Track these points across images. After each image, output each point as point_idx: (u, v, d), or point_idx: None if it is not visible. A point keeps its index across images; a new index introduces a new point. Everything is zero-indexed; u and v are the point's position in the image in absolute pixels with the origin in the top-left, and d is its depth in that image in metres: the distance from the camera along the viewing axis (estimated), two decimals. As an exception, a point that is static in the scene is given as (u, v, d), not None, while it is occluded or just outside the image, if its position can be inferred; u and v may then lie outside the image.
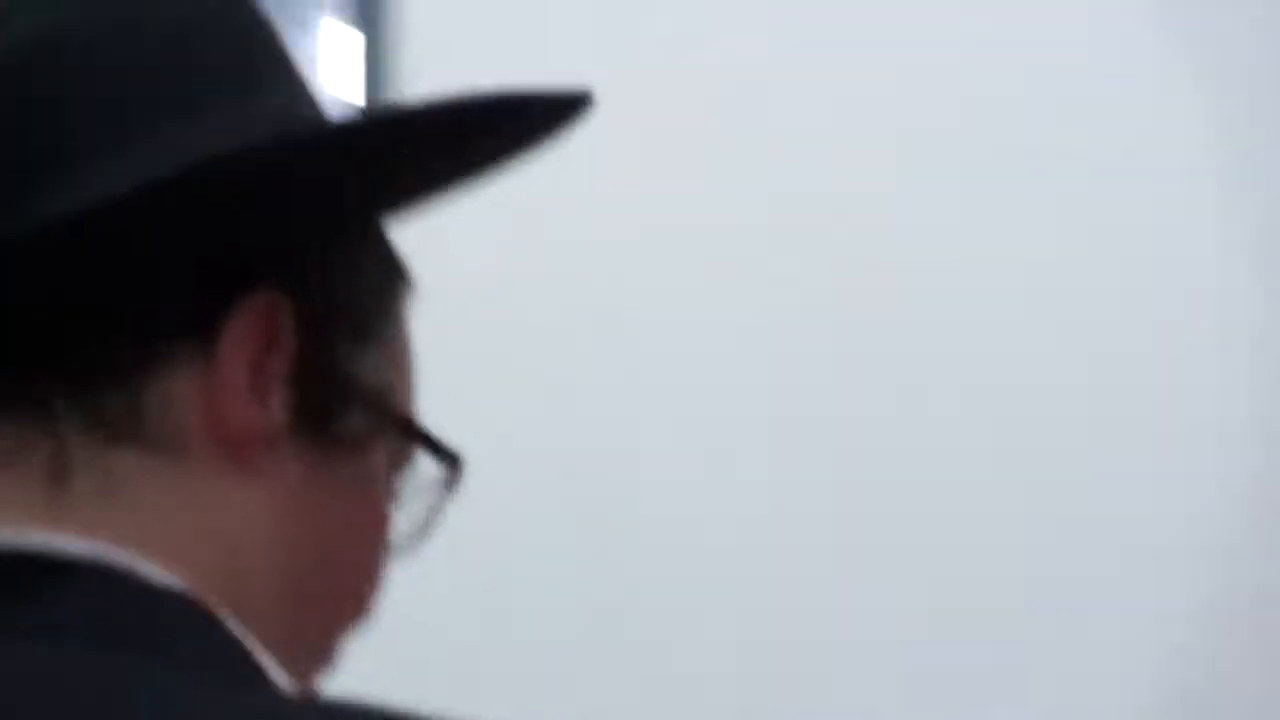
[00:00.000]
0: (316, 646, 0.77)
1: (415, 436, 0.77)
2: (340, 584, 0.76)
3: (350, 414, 0.73)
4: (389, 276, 0.77)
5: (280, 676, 0.71)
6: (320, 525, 0.74)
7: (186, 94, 0.70)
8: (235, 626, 0.69)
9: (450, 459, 0.77)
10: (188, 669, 0.66)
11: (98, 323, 0.69)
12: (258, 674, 0.70)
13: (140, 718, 0.62)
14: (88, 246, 0.67)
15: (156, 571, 0.68)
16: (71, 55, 0.69)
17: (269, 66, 0.75)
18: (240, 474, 0.71)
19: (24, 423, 0.70)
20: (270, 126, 0.71)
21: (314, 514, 0.74)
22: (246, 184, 0.67)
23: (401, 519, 0.79)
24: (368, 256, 0.75)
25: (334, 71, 1.60)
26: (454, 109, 0.71)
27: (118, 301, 0.69)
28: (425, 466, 0.79)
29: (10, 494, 0.70)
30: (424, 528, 0.79)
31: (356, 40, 1.63)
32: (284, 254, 0.72)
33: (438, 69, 1.58)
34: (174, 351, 0.69)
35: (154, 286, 0.69)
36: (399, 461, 0.77)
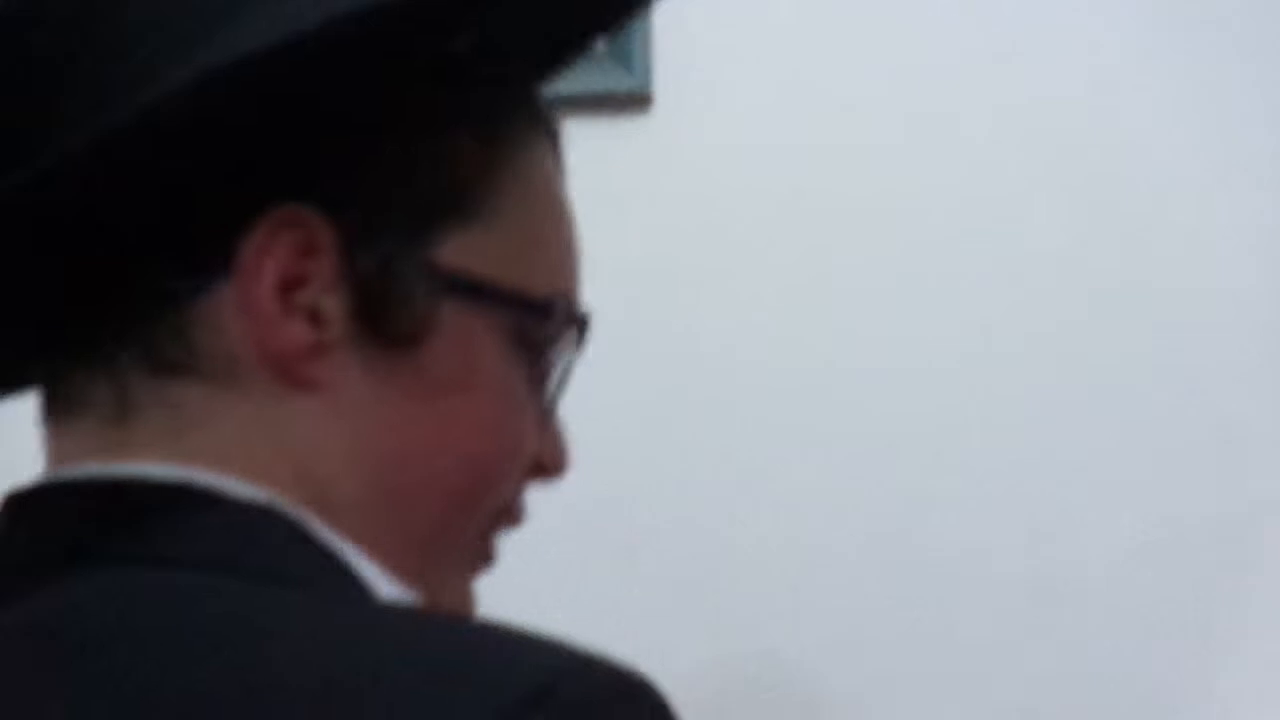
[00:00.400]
0: (446, 544, 0.76)
1: (520, 307, 0.75)
2: (444, 481, 0.75)
3: (418, 312, 0.72)
4: (497, 149, 0.75)
5: (377, 573, 0.72)
6: (405, 426, 0.73)
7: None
8: (324, 533, 0.70)
9: (572, 320, 0.77)
10: (278, 578, 0.68)
11: (137, 259, 0.69)
12: (347, 576, 0.71)
13: (251, 636, 0.64)
14: (111, 174, 0.67)
15: (240, 488, 0.70)
16: None
17: None
18: (298, 390, 0.71)
19: (87, 368, 0.71)
20: (276, 27, 0.68)
21: (394, 416, 0.73)
22: (244, 95, 0.66)
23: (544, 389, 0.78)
24: (444, 143, 0.73)
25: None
26: None
27: (151, 233, 0.69)
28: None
29: (86, 434, 0.72)
30: (555, 395, 0.79)
31: None
32: (301, 166, 0.70)
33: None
34: (211, 279, 0.70)
35: (181, 214, 0.69)
36: (533, 336, 0.76)
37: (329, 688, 0.61)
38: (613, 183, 1.51)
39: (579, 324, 0.78)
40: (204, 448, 0.70)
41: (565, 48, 0.84)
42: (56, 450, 0.73)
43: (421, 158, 0.73)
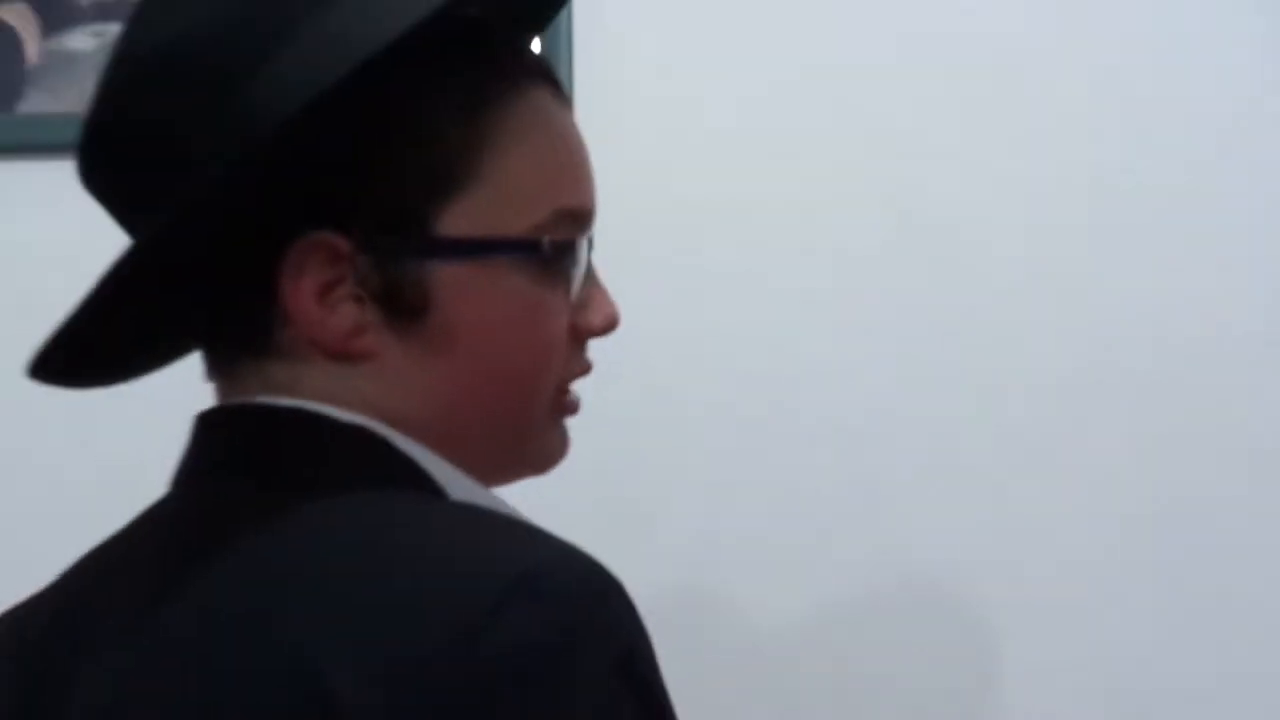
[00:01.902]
0: (522, 424, 1.02)
1: (510, 248, 0.97)
2: (490, 396, 0.99)
3: (422, 285, 0.97)
4: (465, 115, 0.97)
5: (450, 472, 0.97)
6: (442, 370, 0.98)
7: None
8: (404, 445, 0.96)
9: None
10: (368, 478, 0.94)
11: (231, 282, 0.97)
12: (422, 477, 0.96)
13: (329, 520, 0.89)
14: (208, 223, 0.93)
15: (338, 414, 0.96)
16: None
17: None
18: (352, 361, 0.97)
19: (224, 347, 1.00)
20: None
21: (432, 365, 0.98)
22: (302, 145, 0.91)
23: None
24: (427, 138, 0.96)
25: None
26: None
27: (231, 261, 0.96)
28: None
29: (231, 386, 1.00)
30: (578, 282, 1.02)
31: None
32: (318, 200, 0.96)
33: None
34: (271, 291, 0.96)
35: (244, 249, 0.95)
36: (536, 257, 0.99)
37: (374, 562, 0.86)
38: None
39: (581, 226, 1.02)
40: (299, 392, 0.97)
41: (546, 7, 1.09)
42: (218, 393, 1.01)
43: (408, 161, 0.96)
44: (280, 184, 0.94)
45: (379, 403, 0.98)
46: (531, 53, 1.04)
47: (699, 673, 1.58)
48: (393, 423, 0.98)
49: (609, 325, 1.05)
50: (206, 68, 0.95)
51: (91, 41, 1.87)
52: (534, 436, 1.04)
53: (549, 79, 1.03)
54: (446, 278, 0.97)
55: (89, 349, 1.03)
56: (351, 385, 0.98)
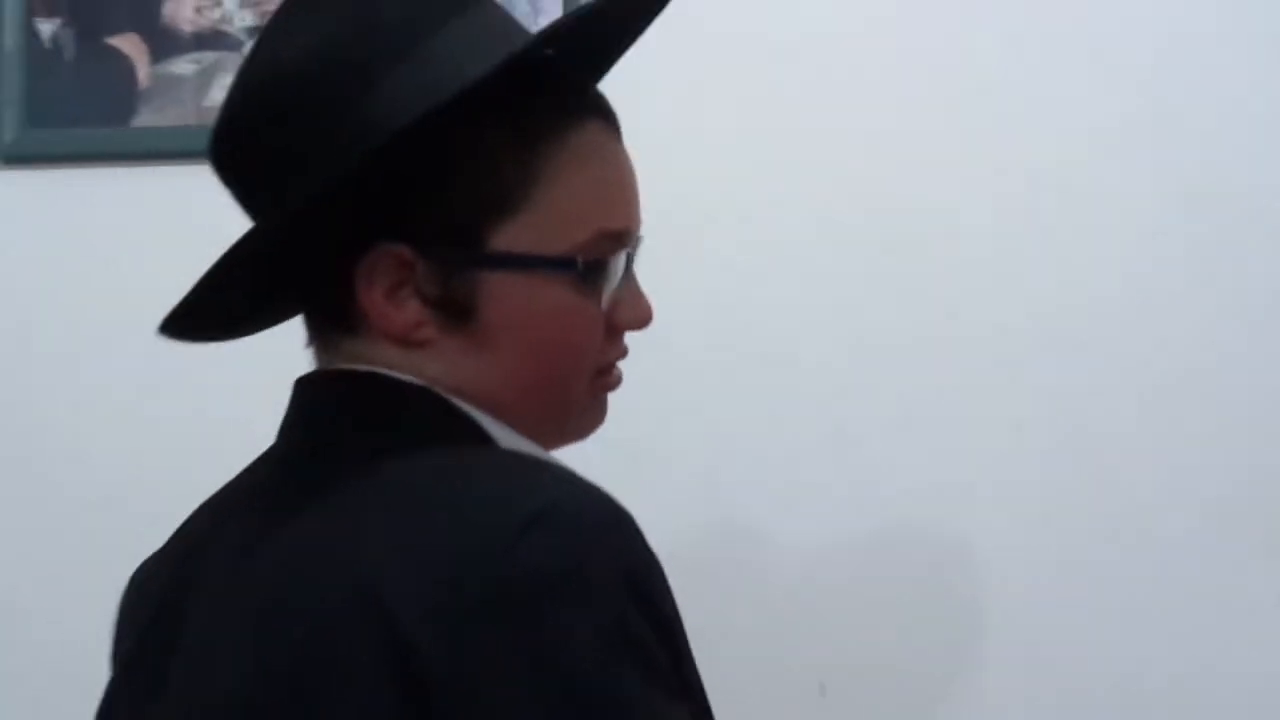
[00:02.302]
0: (563, 397, 1.11)
1: (550, 265, 1.07)
2: (530, 378, 1.08)
3: (471, 290, 1.05)
4: (523, 147, 1.05)
5: (502, 430, 1.07)
6: (486, 359, 1.07)
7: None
8: (463, 407, 1.06)
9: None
10: (434, 432, 1.05)
11: (320, 275, 1.07)
12: (479, 431, 1.07)
13: (398, 461, 1.00)
14: (311, 225, 1.04)
15: (407, 378, 1.07)
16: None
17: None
18: (413, 348, 1.07)
19: (321, 320, 1.10)
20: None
21: (479, 354, 1.07)
22: (394, 167, 1.02)
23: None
24: (482, 156, 1.04)
25: None
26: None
27: (323, 256, 1.06)
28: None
29: (326, 354, 1.10)
30: (612, 289, 1.09)
31: None
32: (392, 217, 1.05)
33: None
34: (353, 287, 1.06)
35: (339, 243, 1.05)
36: (586, 278, 1.08)
37: (428, 501, 0.97)
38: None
39: (619, 245, 1.09)
40: (379, 363, 1.08)
41: (615, 52, 1.17)
42: (315, 359, 1.12)
43: (468, 187, 1.04)
44: (364, 198, 1.03)
45: (439, 379, 1.07)
46: (592, 89, 1.12)
47: (712, 604, 1.55)
48: (457, 389, 1.07)
49: (641, 324, 1.13)
50: (319, 94, 1.03)
51: (191, 67, 1.98)
52: (572, 414, 1.12)
53: (603, 111, 1.10)
54: (493, 285, 1.05)
55: (207, 312, 1.10)
56: (415, 364, 1.07)
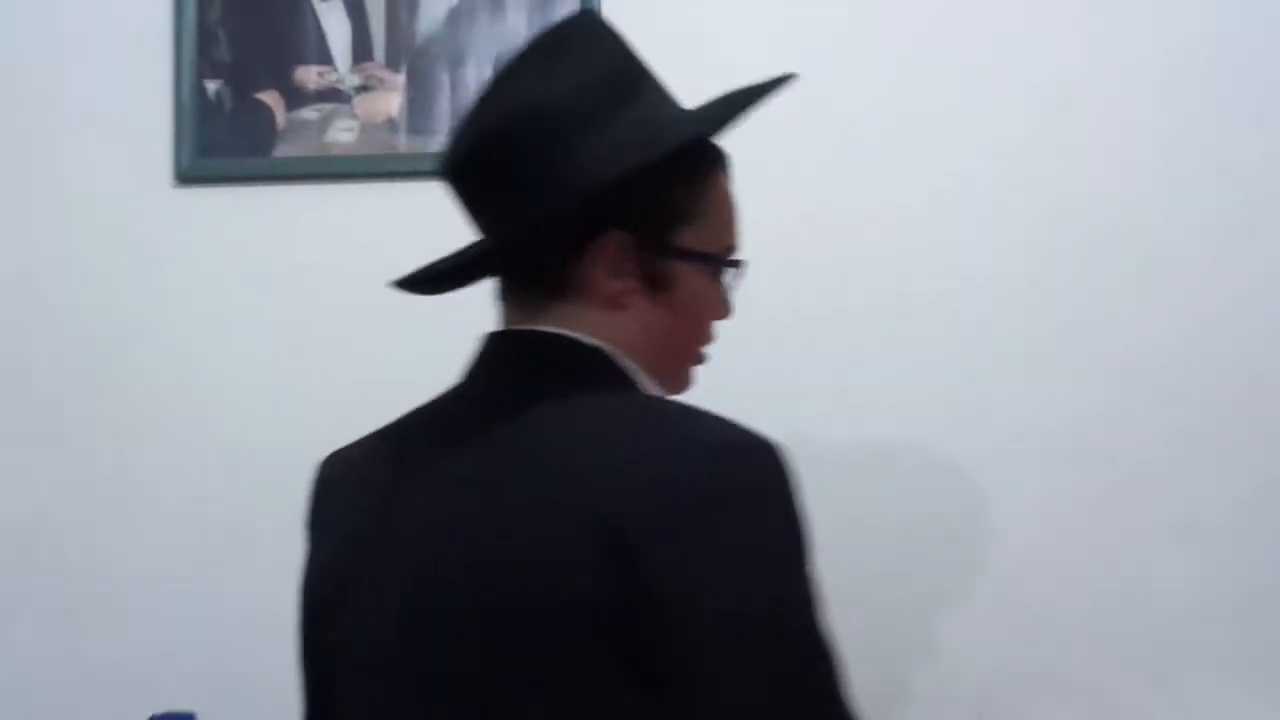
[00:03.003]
0: (681, 363, 1.31)
1: (715, 263, 1.28)
2: (679, 340, 1.29)
3: (668, 272, 1.24)
4: (697, 181, 1.26)
5: (652, 387, 1.24)
6: (665, 321, 1.26)
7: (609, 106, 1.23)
8: (625, 364, 1.23)
9: (735, 265, 1.29)
10: (602, 382, 1.21)
11: (552, 256, 1.25)
12: (636, 384, 1.24)
13: (580, 409, 1.17)
14: (547, 230, 1.23)
15: (585, 339, 1.24)
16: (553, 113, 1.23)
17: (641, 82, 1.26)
18: (616, 309, 1.25)
19: (527, 285, 1.26)
20: (638, 136, 1.21)
21: (661, 317, 1.26)
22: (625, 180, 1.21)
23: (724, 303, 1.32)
24: (678, 184, 1.25)
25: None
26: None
27: (558, 248, 1.25)
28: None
29: (517, 314, 1.26)
30: (727, 291, 1.32)
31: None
32: (620, 213, 1.23)
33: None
34: (582, 260, 1.25)
35: (573, 235, 1.24)
36: (718, 270, 1.29)
37: (617, 435, 1.12)
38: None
39: (735, 261, 1.31)
40: (571, 325, 1.24)
41: (743, 113, 1.32)
42: (505, 317, 1.28)
43: (665, 203, 1.25)
44: (594, 206, 1.20)
45: (620, 336, 1.23)
46: (722, 148, 1.32)
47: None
48: (622, 347, 1.24)
49: (730, 314, 1.33)
50: (547, 131, 1.19)
51: (315, 114, 2.21)
52: (681, 374, 1.32)
53: (726, 161, 1.31)
54: (680, 270, 1.27)
55: (427, 278, 1.28)
56: (608, 323, 1.24)
